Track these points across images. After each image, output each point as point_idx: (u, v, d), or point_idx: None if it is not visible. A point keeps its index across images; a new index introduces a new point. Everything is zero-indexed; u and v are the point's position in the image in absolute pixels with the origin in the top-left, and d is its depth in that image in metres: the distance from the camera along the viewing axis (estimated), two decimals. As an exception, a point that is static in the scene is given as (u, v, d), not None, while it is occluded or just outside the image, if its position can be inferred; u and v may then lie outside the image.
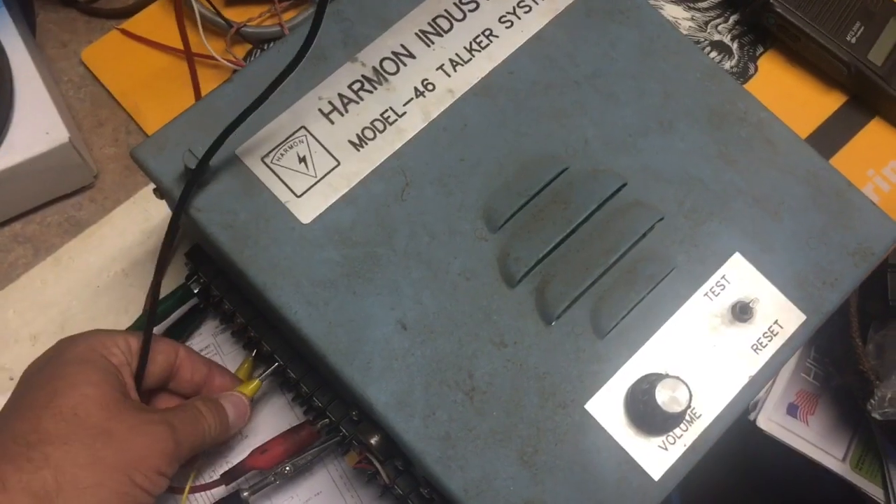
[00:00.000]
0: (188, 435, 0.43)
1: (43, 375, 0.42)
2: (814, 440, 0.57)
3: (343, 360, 0.40)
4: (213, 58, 0.57)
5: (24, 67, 0.53)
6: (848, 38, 0.60)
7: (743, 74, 0.63)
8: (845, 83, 0.62)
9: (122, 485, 0.40)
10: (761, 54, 0.64)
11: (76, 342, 0.43)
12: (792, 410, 0.57)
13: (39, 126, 0.52)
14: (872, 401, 0.52)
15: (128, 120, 0.59)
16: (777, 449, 0.56)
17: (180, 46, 0.59)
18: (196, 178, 0.41)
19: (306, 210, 0.42)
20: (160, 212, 0.57)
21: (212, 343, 0.54)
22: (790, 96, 0.63)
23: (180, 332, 0.53)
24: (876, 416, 0.51)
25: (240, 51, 0.60)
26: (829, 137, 0.62)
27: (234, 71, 0.59)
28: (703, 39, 0.64)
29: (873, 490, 0.57)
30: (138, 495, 0.40)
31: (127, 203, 0.57)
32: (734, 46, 0.64)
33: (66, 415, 0.39)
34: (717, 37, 0.64)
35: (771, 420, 0.56)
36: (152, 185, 0.57)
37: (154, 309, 0.44)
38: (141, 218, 0.57)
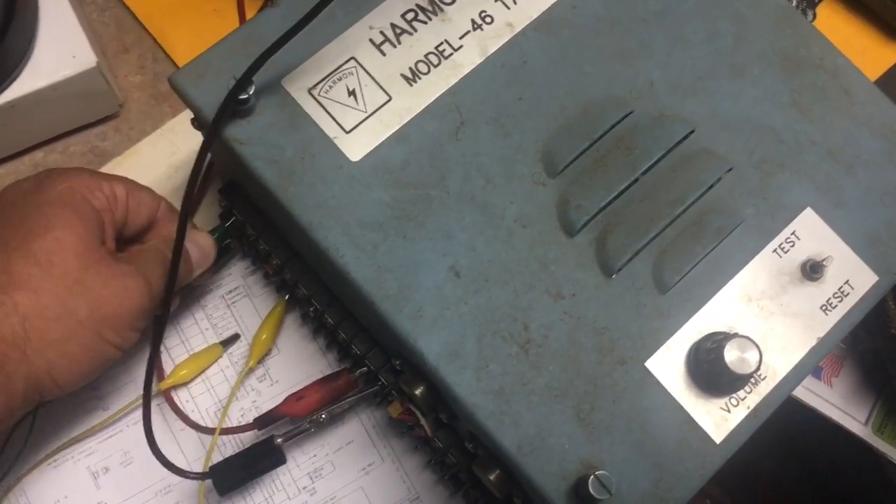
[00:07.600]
0: (160, 285, 0.42)
1: (18, 212, 0.39)
2: (837, 402, 0.56)
3: (392, 307, 0.38)
4: (246, -18, 0.54)
5: (49, -16, 0.50)
6: (916, -14, 0.57)
7: (801, 21, 0.60)
8: (909, 34, 0.59)
9: (91, 340, 0.39)
10: (820, 0, 0.61)
11: (58, 179, 0.40)
12: (816, 372, 0.56)
13: (65, 49, 0.49)
14: (901, 365, 0.51)
15: (154, 46, 0.56)
16: (799, 410, 0.55)
17: (211, -31, 0.55)
18: (235, 94, 0.38)
19: (355, 147, 0.40)
20: (188, 145, 0.54)
21: (241, 285, 0.52)
22: (848, 46, 0.59)
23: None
24: None
25: (274, -23, 0.57)
26: (888, 92, 0.59)
27: (269, -2, 0.56)
28: (760, -18, 0.60)
29: (895, 454, 0.56)
30: (107, 350, 0.40)
31: (153, 135, 0.54)
32: (793, -10, 0.61)
33: (39, 260, 0.38)
34: (775, -20, 0.61)
35: (795, 381, 0.54)
36: (182, 116, 0.55)
37: (184, 227, 0.40)
38: (168, 151, 0.54)
